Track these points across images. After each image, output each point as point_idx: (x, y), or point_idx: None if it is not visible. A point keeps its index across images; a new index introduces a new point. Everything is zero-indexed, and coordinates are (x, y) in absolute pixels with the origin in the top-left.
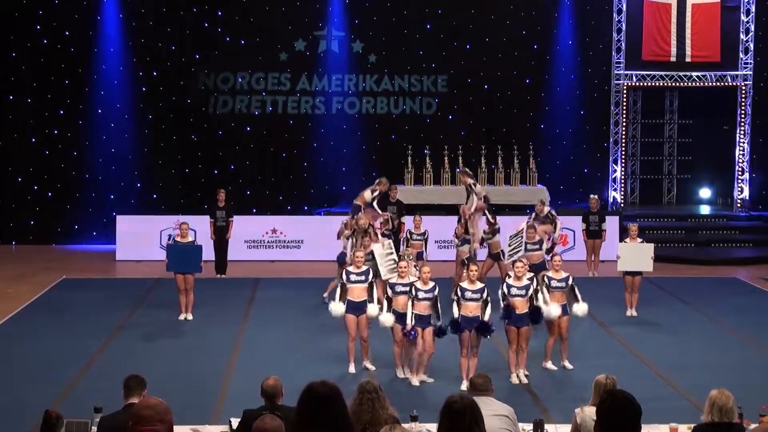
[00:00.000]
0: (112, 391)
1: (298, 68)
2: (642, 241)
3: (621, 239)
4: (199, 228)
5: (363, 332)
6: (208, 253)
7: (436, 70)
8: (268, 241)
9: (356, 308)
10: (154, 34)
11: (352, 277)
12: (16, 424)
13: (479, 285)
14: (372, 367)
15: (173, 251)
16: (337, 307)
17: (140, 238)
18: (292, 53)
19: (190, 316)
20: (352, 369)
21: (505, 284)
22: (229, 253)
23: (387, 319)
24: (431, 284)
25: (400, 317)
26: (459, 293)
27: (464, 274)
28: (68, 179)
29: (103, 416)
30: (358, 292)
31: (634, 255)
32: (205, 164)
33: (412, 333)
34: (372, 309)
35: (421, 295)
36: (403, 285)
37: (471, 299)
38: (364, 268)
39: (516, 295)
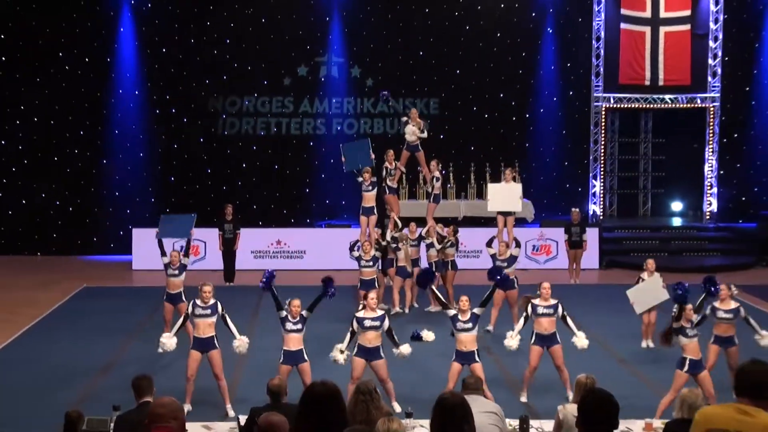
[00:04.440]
0: (129, 391)
1: (301, 92)
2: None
3: (602, 256)
4: (209, 240)
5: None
6: (217, 263)
7: (428, 93)
8: (273, 252)
9: (368, 353)
10: (167, 60)
11: (366, 323)
12: (41, 422)
13: (469, 314)
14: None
15: (166, 219)
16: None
17: (155, 249)
18: (295, 78)
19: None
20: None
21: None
22: (237, 263)
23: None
24: (379, 312)
25: (368, 352)
26: (452, 324)
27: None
28: (88, 195)
29: (120, 414)
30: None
31: (647, 293)
32: (214, 181)
33: None
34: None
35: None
36: (372, 319)
37: (463, 330)
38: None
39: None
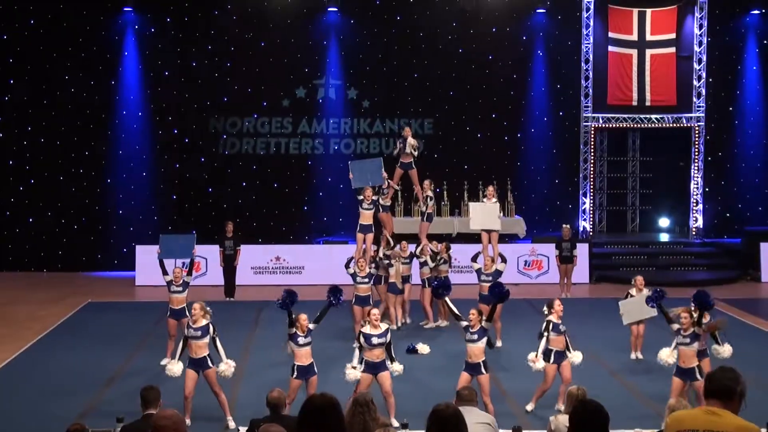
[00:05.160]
0: (132, 403)
1: (299, 113)
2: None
3: (592, 271)
4: (210, 256)
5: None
6: (218, 279)
7: (422, 113)
8: (272, 268)
9: (374, 367)
10: (170, 83)
11: (374, 340)
12: None
13: (477, 327)
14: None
15: (166, 239)
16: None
17: (157, 266)
18: (293, 99)
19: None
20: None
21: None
22: (237, 279)
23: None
24: (383, 328)
25: (374, 367)
26: (464, 335)
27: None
28: (92, 213)
29: (124, 425)
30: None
31: (636, 306)
32: (215, 199)
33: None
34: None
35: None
36: (378, 336)
37: (470, 341)
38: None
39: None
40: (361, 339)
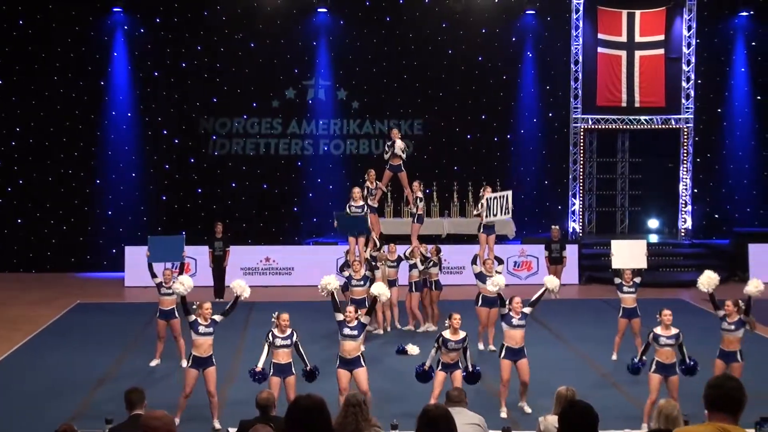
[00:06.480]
0: (122, 405)
1: (289, 114)
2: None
3: (581, 272)
4: (200, 257)
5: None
6: (208, 280)
7: (412, 114)
8: (262, 269)
9: (348, 363)
10: (159, 83)
11: (346, 331)
12: None
13: (462, 335)
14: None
15: (155, 241)
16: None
17: (146, 267)
18: (283, 100)
19: (184, 363)
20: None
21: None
22: (227, 279)
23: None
24: (355, 323)
25: (347, 363)
26: (441, 343)
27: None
28: (82, 214)
29: (112, 427)
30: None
31: (630, 251)
32: (204, 200)
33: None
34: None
35: (346, 332)
36: (351, 328)
37: (454, 349)
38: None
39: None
40: (338, 325)
